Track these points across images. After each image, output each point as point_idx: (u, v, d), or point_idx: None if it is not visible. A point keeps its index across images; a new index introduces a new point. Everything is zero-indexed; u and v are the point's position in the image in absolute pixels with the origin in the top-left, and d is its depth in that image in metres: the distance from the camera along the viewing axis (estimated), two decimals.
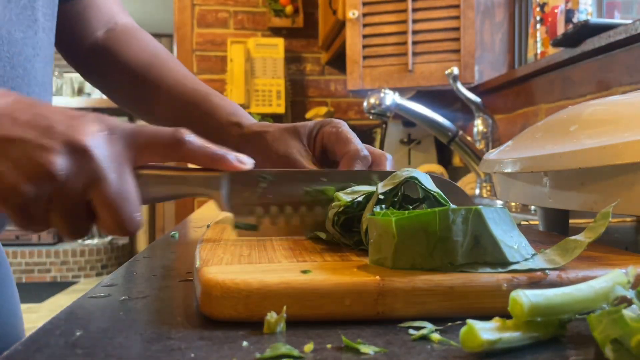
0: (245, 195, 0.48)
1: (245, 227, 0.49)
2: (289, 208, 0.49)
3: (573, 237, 0.36)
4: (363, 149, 0.56)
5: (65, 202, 0.38)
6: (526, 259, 0.35)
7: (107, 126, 0.40)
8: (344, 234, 0.44)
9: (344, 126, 0.58)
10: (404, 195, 0.45)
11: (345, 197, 0.46)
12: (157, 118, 0.69)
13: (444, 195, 0.43)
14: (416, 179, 0.43)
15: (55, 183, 0.37)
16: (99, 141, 0.39)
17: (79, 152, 0.38)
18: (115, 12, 0.72)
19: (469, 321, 0.26)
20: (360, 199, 0.44)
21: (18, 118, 0.38)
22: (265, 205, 0.49)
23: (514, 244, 0.35)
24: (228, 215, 0.49)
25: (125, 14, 0.74)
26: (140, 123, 0.51)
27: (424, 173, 0.44)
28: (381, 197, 0.42)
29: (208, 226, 0.62)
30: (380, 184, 0.43)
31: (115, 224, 0.40)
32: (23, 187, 0.36)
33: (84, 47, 0.71)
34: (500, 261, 0.34)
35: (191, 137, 0.43)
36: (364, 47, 1.75)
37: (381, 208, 0.42)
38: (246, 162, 0.46)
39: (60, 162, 0.37)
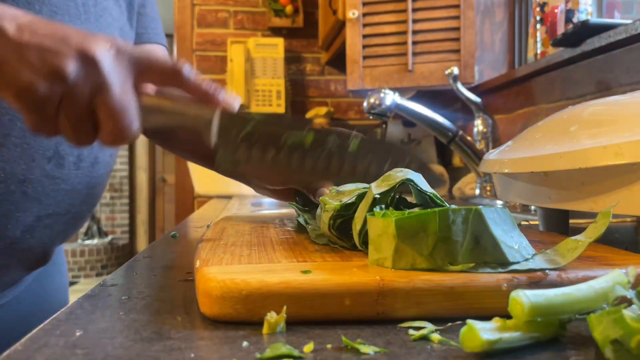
0: (232, 133, 0.51)
1: (228, 164, 0.52)
2: (270, 151, 0.51)
3: (574, 237, 0.36)
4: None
5: (73, 106, 0.43)
6: (526, 259, 0.35)
7: (117, 45, 0.45)
8: (341, 237, 0.44)
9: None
10: (399, 198, 0.45)
11: (332, 200, 0.45)
12: (178, 146, 0.77)
13: (439, 196, 0.43)
14: (411, 181, 0.43)
15: (66, 85, 0.42)
16: (108, 55, 0.44)
17: (89, 61, 0.42)
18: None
19: (469, 321, 0.26)
20: (351, 200, 0.44)
21: (38, 30, 0.43)
22: (249, 146, 0.52)
23: (514, 244, 0.35)
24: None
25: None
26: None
27: (418, 174, 0.44)
28: (377, 197, 0.42)
29: (208, 226, 0.62)
30: (374, 185, 0.43)
31: (116, 130, 0.44)
32: (37, 85, 0.41)
33: None
34: (500, 261, 0.34)
35: (188, 70, 0.48)
36: (364, 47, 1.75)
37: (381, 208, 0.42)
38: (235, 100, 0.51)
39: (71, 66, 0.42)
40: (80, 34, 0.44)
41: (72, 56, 0.42)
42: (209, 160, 0.71)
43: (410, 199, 0.46)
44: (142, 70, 0.47)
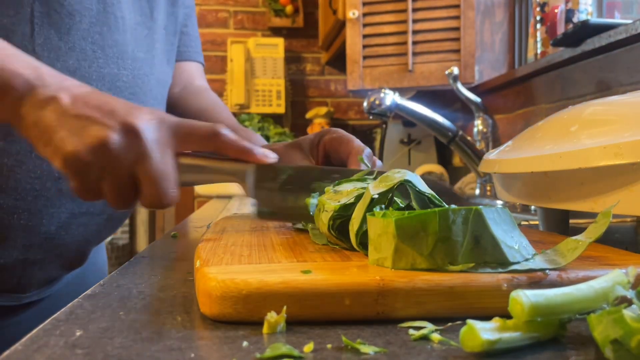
0: (268, 185, 0.55)
1: (266, 214, 0.56)
2: (304, 199, 0.54)
3: (574, 237, 0.36)
4: (366, 147, 0.61)
5: (116, 173, 0.46)
6: (527, 259, 0.35)
7: (157, 116, 0.49)
8: (340, 237, 0.44)
9: (343, 131, 0.64)
10: (394, 200, 0.45)
11: (330, 201, 0.45)
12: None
13: (437, 197, 0.43)
14: (410, 182, 0.42)
15: (109, 154, 0.45)
16: (149, 126, 0.47)
17: (132, 132, 0.46)
18: (194, 76, 0.89)
19: (469, 321, 0.26)
20: (350, 200, 0.44)
21: (89, 102, 0.47)
22: (284, 195, 0.55)
23: (514, 244, 0.35)
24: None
25: (203, 79, 0.92)
26: None
27: (416, 174, 0.44)
28: (375, 197, 0.42)
29: (208, 226, 0.62)
30: (371, 186, 0.43)
31: (155, 196, 0.47)
32: (83, 154, 0.45)
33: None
34: (500, 261, 0.34)
35: (226, 131, 0.51)
36: (364, 47, 1.75)
37: (381, 208, 0.42)
38: (270, 156, 0.54)
39: (115, 137, 0.45)
40: (126, 106, 0.48)
41: (117, 128, 0.46)
42: None
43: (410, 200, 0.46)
44: (183, 138, 0.50)
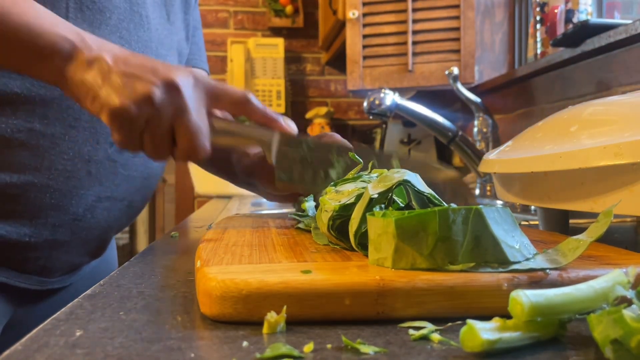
0: (289, 154, 0.60)
1: (285, 179, 0.60)
2: (321, 171, 0.60)
3: (575, 237, 0.36)
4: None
5: (157, 125, 0.51)
6: (527, 259, 0.35)
7: (195, 75, 0.53)
8: (340, 238, 0.44)
9: (337, 135, 0.68)
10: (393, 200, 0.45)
11: (331, 201, 0.45)
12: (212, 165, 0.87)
13: (437, 196, 0.43)
14: (408, 182, 0.42)
15: (152, 108, 0.50)
16: (188, 84, 0.51)
17: (172, 88, 0.50)
18: None
19: (469, 321, 0.26)
20: (350, 200, 0.44)
21: (130, 61, 0.51)
22: (303, 165, 0.60)
23: (515, 243, 0.35)
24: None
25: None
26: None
27: (416, 174, 0.44)
28: (374, 197, 0.42)
29: (209, 227, 0.62)
30: (370, 186, 0.43)
31: (190, 149, 0.52)
32: (129, 107, 0.49)
33: None
34: (501, 261, 0.34)
35: (255, 99, 0.56)
36: (364, 47, 1.75)
37: (381, 208, 0.42)
38: (292, 127, 0.59)
39: (158, 92, 0.50)
40: (165, 65, 0.52)
41: (159, 83, 0.50)
42: (229, 172, 0.82)
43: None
44: (216, 98, 0.54)
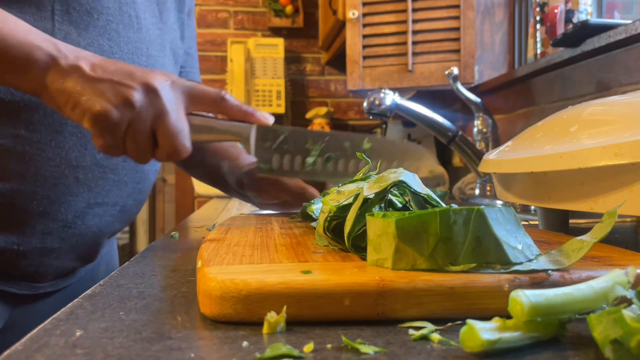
0: (267, 144, 0.62)
1: (265, 169, 0.63)
2: (299, 157, 0.63)
3: (579, 238, 0.36)
4: None
5: (139, 128, 0.52)
6: (530, 260, 0.35)
7: (172, 78, 0.55)
8: (336, 239, 0.44)
9: None
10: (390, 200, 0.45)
11: (331, 202, 0.45)
12: (199, 168, 0.89)
13: (434, 197, 0.43)
14: (404, 182, 0.42)
15: (133, 111, 0.51)
16: (166, 86, 0.53)
17: (152, 91, 0.52)
18: None
19: (469, 321, 0.26)
20: (347, 201, 0.44)
21: (107, 67, 0.52)
22: (281, 154, 0.63)
23: (517, 244, 0.35)
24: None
25: None
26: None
27: (413, 174, 0.44)
28: (370, 197, 0.41)
29: (210, 229, 0.62)
30: (365, 187, 0.43)
31: (171, 149, 0.53)
32: (110, 112, 0.50)
33: None
34: (502, 262, 0.34)
35: (230, 97, 0.58)
36: (364, 47, 1.75)
37: (380, 208, 0.42)
38: (269, 118, 0.61)
39: (137, 96, 0.51)
40: (141, 70, 0.53)
41: (138, 87, 0.51)
42: (222, 183, 0.85)
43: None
44: (193, 99, 0.56)
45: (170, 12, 0.80)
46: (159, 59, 0.75)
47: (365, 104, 1.26)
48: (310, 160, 0.62)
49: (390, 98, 1.23)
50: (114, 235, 0.80)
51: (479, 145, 1.36)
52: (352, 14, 1.74)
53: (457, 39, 1.67)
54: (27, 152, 0.61)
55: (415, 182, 0.43)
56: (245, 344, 0.28)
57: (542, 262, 0.34)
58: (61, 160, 0.63)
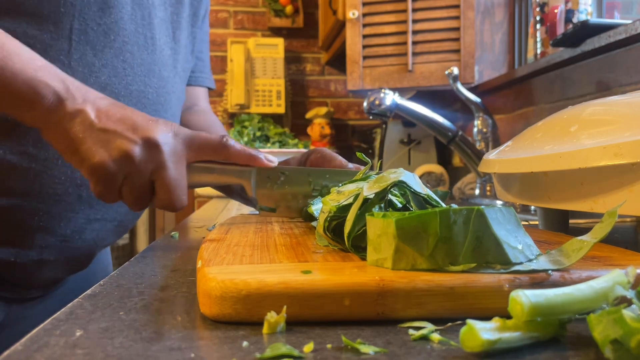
0: (268, 185, 0.63)
1: (266, 210, 0.63)
2: (300, 196, 0.63)
3: (579, 238, 0.36)
4: (348, 163, 0.68)
5: (136, 180, 0.52)
6: (530, 260, 0.35)
7: (174, 129, 0.54)
8: (335, 239, 0.44)
9: (328, 150, 0.71)
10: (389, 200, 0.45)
11: (332, 202, 0.45)
12: None
13: (434, 197, 0.43)
14: (404, 182, 0.42)
15: (132, 165, 0.51)
16: (167, 139, 0.53)
17: (152, 146, 0.51)
18: (200, 98, 0.97)
19: (469, 321, 0.26)
20: (347, 201, 0.44)
21: (112, 115, 0.52)
22: (282, 192, 0.63)
23: (518, 244, 0.35)
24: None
25: (207, 102, 0.99)
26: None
27: (413, 174, 0.44)
28: (369, 197, 0.41)
29: (211, 228, 0.62)
30: (365, 187, 0.43)
31: (169, 201, 0.53)
32: (107, 164, 0.50)
33: None
34: (502, 262, 0.34)
35: (233, 142, 0.58)
36: (364, 47, 1.75)
37: (380, 208, 0.42)
38: (273, 160, 0.61)
39: (137, 150, 0.51)
40: (145, 120, 0.53)
41: (139, 141, 0.51)
42: (225, 190, 0.85)
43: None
44: (195, 149, 0.56)
45: (183, 31, 0.80)
46: (170, 79, 0.75)
47: (365, 104, 1.26)
48: (312, 201, 0.61)
49: (390, 98, 1.23)
50: (107, 247, 0.80)
51: (479, 145, 1.36)
52: (352, 14, 1.74)
53: (457, 39, 1.67)
54: (33, 169, 0.61)
55: (415, 182, 0.43)
56: (245, 344, 0.28)
57: (542, 262, 0.34)
58: (66, 178, 0.63)
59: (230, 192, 0.84)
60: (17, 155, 0.60)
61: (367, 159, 0.56)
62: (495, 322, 0.27)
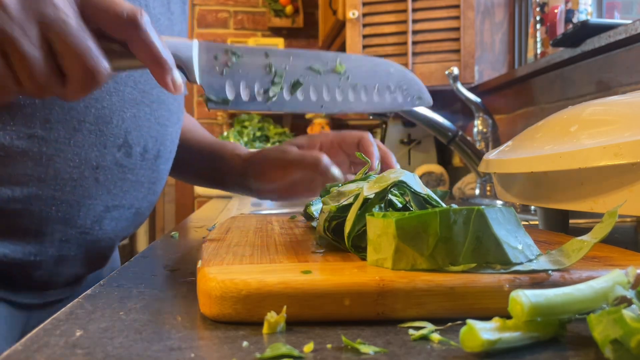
0: (216, 67, 0.49)
1: (215, 100, 0.50)
2: (259, 84, 0.50)
3: (579, 238, 0.36)
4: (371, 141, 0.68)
5: (23, 49, 0.38)
6: (530, 260, 0.35)
7: None
8: (336, 239, 0.44)
9: (360, 133, 0.70)
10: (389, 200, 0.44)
11: (332, 201, 0.45)
12: (190, 169, 0.88)
13: (435, 197, 0.43)
14: (404, 182, 0.42)
15: (8, 22, 0.37)
16: None
17: None
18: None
19: (469, 321, 0.26)
20: (347, 201, 0.44)
21: None
22: (236, 80, 0.50)
23: (518, 244, 0.35)
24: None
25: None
26: None
27: (413, 174, 0.44)
28: (369, 197, 0.41)
29: (211, 228, 0.62)
30: (365, 187, 0.43)
31: (84, 72, 0.40)
32: None
33: None
34: (503, 262, 0.34)
35: (148, 25, 0.42)
36: (364, 47, 1.75)
37: (380, 208, 0.42)
38: (179, 85, 0.46)
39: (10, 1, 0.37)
40: None
41: None
42: (219, 182, 0.83)
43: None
44: (94, 9, 0.42)
45: (177, 2, 0.75)
46: None
47: None
48: (275, 88, 0.50)
49: None
50: (125, 239, 0.77)
51: (479, 145, 1.36)
52: (352, 14, 1.74)
53: (457, 39, 1.67)
54: (45, 153, 0.56)
55: (415, 182, 0.43)
56: (245, 344, 0.28)
57: (542, 262, 0.34)
58: (81, 160, 0.59)
59: (224, 183, 0.82)
60: (26, 139, 0.55)
61: (367, 158, 0.56)
62: (495, 322, 0.27)
